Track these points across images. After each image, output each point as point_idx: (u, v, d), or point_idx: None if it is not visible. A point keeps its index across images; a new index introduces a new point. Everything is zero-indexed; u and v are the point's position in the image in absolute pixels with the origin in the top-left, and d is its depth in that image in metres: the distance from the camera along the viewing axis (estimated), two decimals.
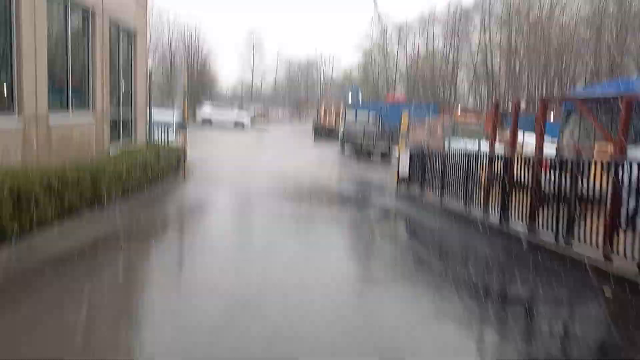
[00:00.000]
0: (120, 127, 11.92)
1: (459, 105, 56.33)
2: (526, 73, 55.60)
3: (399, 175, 14.63)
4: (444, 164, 10.88)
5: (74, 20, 9.45)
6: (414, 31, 70.68)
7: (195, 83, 53.89)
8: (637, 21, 41.32)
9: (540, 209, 7.19)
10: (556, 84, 51.48)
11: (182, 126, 17.24)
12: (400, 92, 68.06)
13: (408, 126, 14.95)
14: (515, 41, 55.58)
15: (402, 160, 14.25)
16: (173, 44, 51.66)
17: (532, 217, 7.33)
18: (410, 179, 13.57)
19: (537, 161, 7.33)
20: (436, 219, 10.35)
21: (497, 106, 8.81)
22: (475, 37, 63.34)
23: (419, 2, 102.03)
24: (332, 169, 21.47)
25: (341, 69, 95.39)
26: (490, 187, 8.60)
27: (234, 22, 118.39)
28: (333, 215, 11.01)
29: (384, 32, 73.21)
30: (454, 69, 65.36)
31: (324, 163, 23.98)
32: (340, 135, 32.22)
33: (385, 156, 26.97)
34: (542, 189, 7.16)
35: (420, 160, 12.33)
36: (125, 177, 9.01)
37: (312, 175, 18.67)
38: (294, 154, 27.71)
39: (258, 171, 18.05)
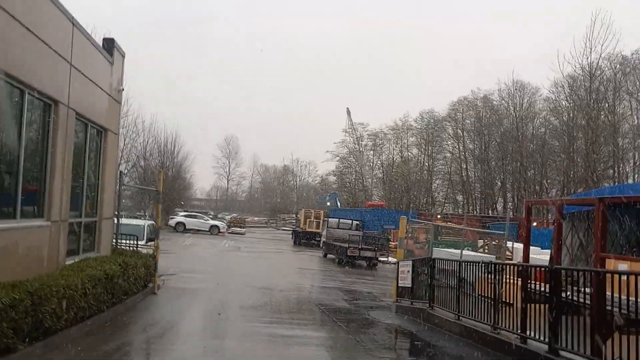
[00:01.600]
0: (81, 235, 10.26)
1: (440, 212, 56.13)
2: (499, 180, 56.18)
3: (399, 286, 13.03)
4: (458, 274, 9.40)
5: (33, 111, 8.15)
6: (389, 139, 72.13)
7: (169, 189, 52.63)
8: (606, 132, 42.62)
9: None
10: (532, 190, 51.87)
11: (154, 233, 15.63)
12: (376, 199, 67.91)
13: (406, 232, 13.60)
14: (485, 150, 56.73)
15: (403, 269, 12.72)
16: (148, 149, 50.86)
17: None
18: (413, 291, 11.96)
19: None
20: (458, 344, 8.64)
21: (529, 209, 7.54)
22: (448, 146, 64.73)
23: (393, 111, 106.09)
24: (317, 279, 19.74)
25: (317, 174, 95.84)
26: (527, 304, 7.09)
27: (210, 128, 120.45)
28: (326, 341, 9.24)
29: (358, 140, 74.59)
30: (429, 176, 65.96)
31: (307, 271, 22.25)
32: (322, 241, 30.78)
33: (372, 264, 25.43)
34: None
35: (427, 270, 10.82)
36: (80, 295, 7.26)
37: (297, 287, 16.91)
38: (274, 261, 25.95)
39: (238, 282, 16.23)
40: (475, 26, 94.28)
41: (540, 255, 19.78)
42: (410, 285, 12.09)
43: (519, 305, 7.25)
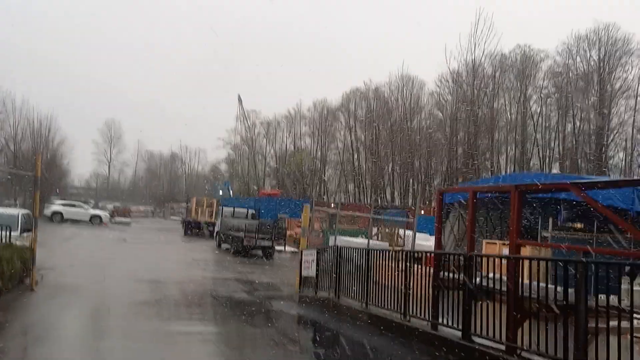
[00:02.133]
0: None
1: (333, 201, 57.01)
2: (389, 170, 58.37)
3: (302, 276, 12.78)
4: (367, 262, 9.30)
5: None
6: (282, 127, 72.00)
7: (44, 176, 48.35)
8: (485, 126, 45.80)
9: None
10: (417, 179, 54.54)
11: (30, 223, 14.02)
12: (269, 188, 67.66)
13: (310, 220, 13.38)
14: (376, 141, 58.62)
15: (306, 258, 12.47)
16: (19, 132, 46.32)
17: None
18: (317, 281, 11.76)
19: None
20: (367, 332, 8.53)
21: (441, 196, 7.57)
22: (341, 136, 66.02)
23: (287, 100, 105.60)
24: (213, 270, 18.99)
25: (207, 162, 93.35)
26: (438, 291, 7.11)
27: (90, 111, 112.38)
28: (230, 336, 8.72)
29: (250, 128, 73.66)
30: (322, 166, 66.88)
31: (201, 262, 21.37)
32: (216, 230, 29.84)
33: (268, 253, 25.05)
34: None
35: (332, 259, 10.65)
36: None
37: (192, 279, 16.07)
38: (165, 252, 24.65)
39: (126, 276, 15.06)
40: (370, 21, 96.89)
41: (429, 242, 20.67)
42: (314, 275, 11.88)
43: (431, 292, 7.26)
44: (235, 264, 21.41)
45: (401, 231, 27.76)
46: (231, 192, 63.43)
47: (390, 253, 8.83)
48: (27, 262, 10.47)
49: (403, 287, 7.78)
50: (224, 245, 27.72)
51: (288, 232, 32.06)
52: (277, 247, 27.27)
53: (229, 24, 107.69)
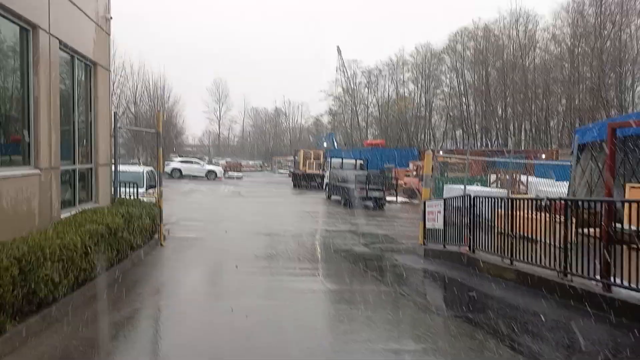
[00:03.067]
0: (76, 184, 9.00)
1: (440, 148, 54.96)
2: (500, 112, 54.81)
3: (426, 228, 11.99)
4: (511, 213, 8.27)
5: (6, 39, 6.69)
6: (384, 75, 69.94)
7: (162, 135, 50.95)
8: (612, 57, 41.03)
9: None
10: (532, 122, 50.71)
11: (155, 180, 14.41)
12: (371, 138, 66.60)
13: (432, 167, 12.44)
14: (486, 82, 54.94)
15: (431, 209, 11.63)
16: (138, 94, 48.82)
17: None
18: (445, 233, 10.91)
19: None
20: (517, 292, 7.60)
21: (613, 131, 6.32)
22: (447, 79, 62.87)
23: (389, 47, 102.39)
24: (327, 222, 18.71)
25: (310, 115, 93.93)
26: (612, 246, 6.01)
27: (198, 71, 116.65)
28: (367, 295, 8.18)
29: (350, 78, 72.40)
30: (427, 113, 64.39)
31: (315, 214, 21.25)
32: (325, 182, 29.73)
33: (380, 204, 24.47)
34: None
35: (466, 210, 9.70)
36: (81, 255, 6.09)
37: (309, 232, 15.90)
38: (278, 205, 24.91)
39: (245, 229, 15.21)
40: None
41: (555, 188, 18.82)
42: (442, 227, 11.03)
43: (600, 246, 6.16)
44: (347, 215, 21.08)
45: (522, 177, 25.87)
46: (336, 143, 63.30)
47: (540, 202, 7.72)
48: (155, 218, 10.64)
49: (562, 241, 6.73)
50: (334, 197, 27.57)
51: (401, 181, 31.07)
52: (389, 198, 26.60)
53: None
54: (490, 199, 9.42)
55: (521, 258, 7.88)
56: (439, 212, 11.24)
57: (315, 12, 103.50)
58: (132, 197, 11.59)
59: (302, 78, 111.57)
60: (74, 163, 8.96)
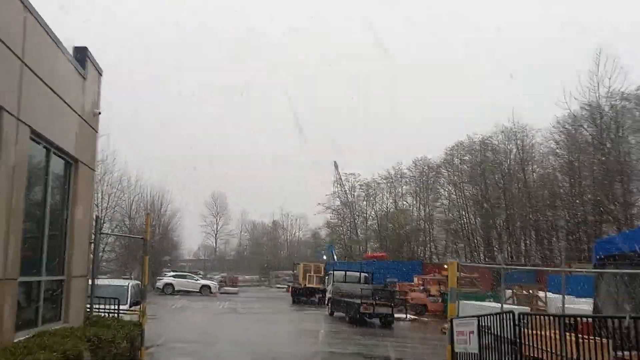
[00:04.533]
0: (40, 298, 7.43)
1: (455, 262, 53.07)
2: (501, 225, 53.81)
3: (454, 352, 10.17)
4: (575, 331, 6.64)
5: None
6: (382, 188, 69.86)
7: (156, 250, 49.42)
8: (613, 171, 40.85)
9: None
10: (538, 235, 49.59)
11: (139, 295, 12.76)
12: (370, 251, 64.97)
13: (457, 280, 10.88)
14: (485, 195, 54.60)
15: (461, 329, 9.91)
16: (133, 207, 47.89)
17: None
18: (482, 358, 9.12)
19: None
20: None
21: None
22: (445, 192, 62.59)
23: (386, 160, 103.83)
24: (334, 343, 16.68)
25: (308, 229, 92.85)
26: None
27: (196, 185, 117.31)
28: None
29: (348, 191, 72.40)
30: (427, 225, 63.37)
31: (318, 334, 19.16)
32: (327, 296, 27.72)
33: (388, 321, 22.39)
34: None
35: (509, 330, 8.04)
36: None
37: (315, 355, 13.92)
38: (278, 323, 22.77)
39: (243, 354, 13.25)
40: (465, 73, 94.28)
41: (577, 305, 17.10)
42: (476, 351, 9.27)
43: None
44: (353, 334, 19.03)
45: (541, 293, 24.10)
46: (335, 256, 61.53)
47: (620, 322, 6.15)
48: (135, 341, 8.91)
49: None
50: (337, 313, 25.47)
51: (408, 297, 29.09)
52: (398, 315, 24.54)
53: (321, 91, 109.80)
54: (542, 318, 7.79)
55: None
56: (472, 332, 9.54)
57: (311, 127, 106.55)
58: (111, 315, 9.91)
59: (300, 192, 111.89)
60: (39, 274, 7.46)
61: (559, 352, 6.69)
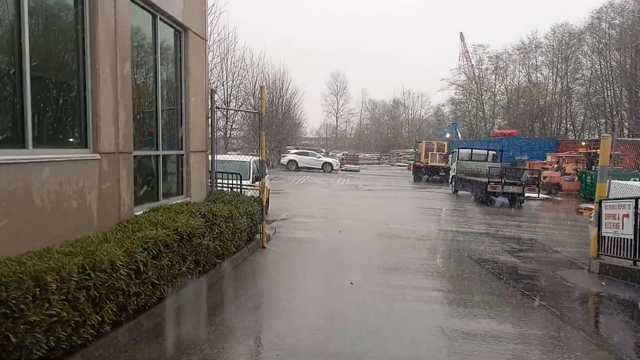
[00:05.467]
0: (159, 173, 7.38)
1: (584, 140, 48.67)
2: None
3: (602, 236, 8.96)
4: None
5: None
6: (514, 60, 64.05)
7: (279, 127, 50.68)
8: None
9: None
10: None
11: (260, 171, 12.77)
12: (499, 128, 61.31)
13: (610, 157, 9.32)
14: (636, 64, 47.64)
15: (611, 212, 8.60)
16: (257, 86, 48.68)
17: None
18: (636, 247, 7.88)
19: None
20: None
21: None
22: (588, 63, 55.82)
23: (518, 29, 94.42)
24: (459, 222, 15.97)
25: (430, 106, 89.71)
26: None
27: (316, 66, 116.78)
28: (547, 344, 5.59)
29: (475, 65, 67.42)
30: (564, 100, 57.78)
31: (442, 212, 18.55)
32: (451, 175, 26.71)
33: (518, 201, 21.07)
34: None
35: None
36: (126, 277, 4.26)
37: (439, 234, 13.33)
38: (399, 200, 22.46)
39: (364, 230, 13.01)
40: None
41: None
42: (631, 236, 8.01)
43: None
44: (480, 214, 18.14)
45: None
46: (459, 134, 59.16)
47: None
48: (254, 216, 8.81)
49: None
50: (462, 192, 24.56)
51: (541, 175, 27.12)
52: (529, 194, 23.05)
53: None
54: None
55: None
56: (626, 215, 8.20)
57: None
58: (233, 190, 9.90)
59: (422, 68, 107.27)
60: (157, 148, 7.32)
61: None
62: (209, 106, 9.17)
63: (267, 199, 14.06)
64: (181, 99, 8.18)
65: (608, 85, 52.96)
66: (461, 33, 69.10)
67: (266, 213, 14.19)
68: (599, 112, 54.57)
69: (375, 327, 5.56)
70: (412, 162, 42.59)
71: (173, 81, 8.08)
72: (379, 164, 65.41)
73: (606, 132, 54.02)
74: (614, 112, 52.31)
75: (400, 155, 67.44)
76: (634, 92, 48.54)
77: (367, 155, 70.68)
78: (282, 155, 41.70)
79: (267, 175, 15.37)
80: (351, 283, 7.34)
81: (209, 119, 9.19)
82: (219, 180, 10.16)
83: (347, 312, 6.13)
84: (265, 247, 9.48)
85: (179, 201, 7.52)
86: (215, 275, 6.63)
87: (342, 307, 6.32)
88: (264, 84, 51.62)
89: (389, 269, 8.62)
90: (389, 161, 67.76)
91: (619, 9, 49.88)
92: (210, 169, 9.43)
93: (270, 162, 45.07)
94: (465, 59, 69.20)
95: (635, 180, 19.98)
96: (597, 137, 51.75)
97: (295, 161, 39.09)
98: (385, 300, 6.70)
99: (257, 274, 7.82)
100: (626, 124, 51.06)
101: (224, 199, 8.11)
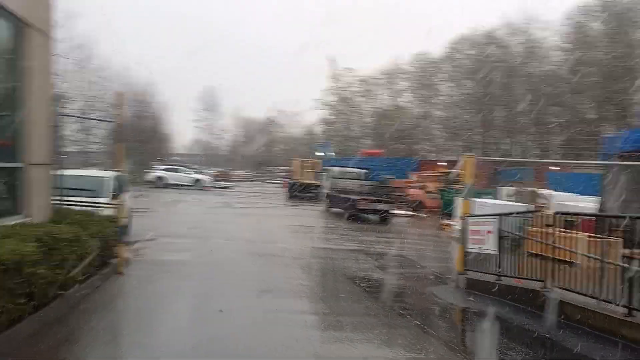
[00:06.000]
0: None
1: (472, 156, 52.12)
2: (505, 125, 52.46)
3: (467, 252, 9.24)
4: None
5: None
6: (380, 84, 67.48)
7: (147, 141, 48.12)
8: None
9: None
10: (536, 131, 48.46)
11: (123, 188, 11.65)
12: (367, 148, 64.06)
13: (473, 176, 9.71)
14: (487, 91, 52.63)
15: (477, 228, 8.90)
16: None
17: None
18: (500, 261, 8.19)
19: None
20: None
21: None
22: (446, 88, 60.49)
23: (385, 55, 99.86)
24: (332, 239, 15.96)
25: (302, 125, 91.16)
26: None
27: (187, 79, 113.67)
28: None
29: (344, 87, 70.05)
30: (425, 122, 61.95)
31: (315, 229, 18.49)
32: (325, 192, 26.94)
33: (386, 218, 21.72)
34: None
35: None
36: None
37: (313, 252, 13.11)
38: (273, 218, 22.07)
39: (236, 249, 12.36)
40: None
41: (580, 203, 16.30)
42: (495, 252, 8.31)
43: None
44: (352, 230, 18.34)
45: (543, 191, 23.36)
46: (331, 152, 60.68)
47: None
48: (109, 237, 7.80)
49: None
50: (334, 209, 24.83)
51: (406, 193, 28.36)
52: (396, 211, 23.90)
53: None
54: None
55: None
56: (490, 231, 8.53)
57: (306, 22, 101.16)
58: (87, 210, 8.74)
59: (295, 88, 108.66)
60: None
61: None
62: (56, 114, 8.01)
63: (129, 218, 12.86)
64: (20, 105, 7.01)
65: (463, 110, 57.70)
66: (331, 57, 71.49)
67: (127, 234, 13.01)
68: (455, 134, 59.16)
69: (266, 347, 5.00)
70: (286, 179, 42.62)
71: (10, 84, 6.91)
72: (252, 181, 64.76)
73: (462, 153, 58.83)
74: (469, 135, 57.11)
75: (275, 173, 67.48)
76: (483, 116, 53.37)
77: (241, 172, 69.71)
78: (150, 171, 39.42)
79: (130, 193, 14.10)
80: (220, 310, 6.68)
81: (56, 128, 8.04)
82: (72, 198, 8.96)
83: (215, 344, 5.48)
84: (122, 273, 8.46)
85: (13, 222, 6.35)
86: (57, 310, 5.60)
87: (210, 337, 5.65)
88: (131, 96, 48.86)
89: (262, 292, 8.09)
90: (263, 178, 67.44)
91: (472, 42, 54.82)
92: (57, 185, 8.23)
93: (136, 179, 42.50)
94: (335, 80, 71.47)
95: (490, 197, 21.62)
96: (454, 157, 56.04)
97: (163, 177, 37.07)
98: (258, 328, 6.16)
99: (111, 305, 6.85)
100: (479, 145, 55.92)
101: (72, 219, 7.03)
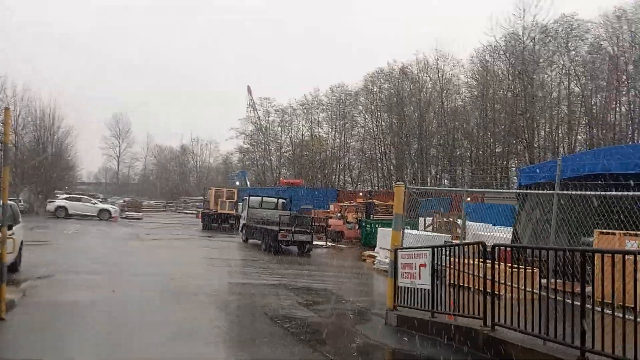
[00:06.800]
0: None
1: (361, 190, 52.65)
2: (415, 155, 54.05)
3: (398, 287, 8.71)
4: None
5: None
6: (298, 114, 67.66)
7: (48, 169, 44.63)
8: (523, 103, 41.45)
9: None
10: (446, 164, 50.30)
11: (18, 217, 10.20)
12: (285, 177, 63.64)
13: (404, 206, 9.27)
14: (402, 124, 54.26)
15: (409, 261, 8.41)
16: (20, 122, 42.45)
17: None
18: (434, 296, 7.71)
19: None
20: None
21: None
22: (362, 120, 61.64)
23: (304, 86, 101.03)
24: (250, 273, 15.01)
25: (219, 154, 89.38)
26: None
27: (97, 104, 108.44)
28: None
29: (262, 117, 69.72)
30: (342, 154, 62.61)
31: (233, 263, 17.42)
32: (242, 222, 25.87)
33: (307, 249, 21.08)
34: None
35: (478, 263, 6.58)
36: None
37: (230, 288, 12.18)
38: (187, 251, 20.71)
39: (144, 287, 11.12)
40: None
41: (494, 233, 16.63)
42: (428, 287, 7.83)
43: None
44: (271, 263, 17.48)
45: (459, 221, 23.77)
46: (248, 182, 59.60)
47: None
48: None
49: None
50: (252, 240, 23.83)
51: (327, 224, 27.95)
52: (317, 242, 23.32)
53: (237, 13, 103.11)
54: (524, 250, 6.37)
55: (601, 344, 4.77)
56: (423, 265, 8.06)
57: (223, 50, 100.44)
58: None
59: (211, 116, 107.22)
60: None
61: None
62: None
63: (18, 252, 11.28)
64: None
65: (379, 142, 58.90)
66: (248, 86, 71.20)
67: (16, 271, 11.42)
68: (372, 165, 60.17)
69: None
70: (200, 209, 40.96)
71: None
72: (165, 211, 61.93)
73: (378, 183, 59.82)
74: (384, 166, 58.26)
75: (188, 203, 65.08)
76: (399, 148, 54.70)
77: (152, 202, 66.55)
78: (49, 200, 36.33)
79: (21, 224, 12.47)
80: None
81: None
82: None
83: None
84: (3, 319, 7.11)
85: None
86: None
87: None
88: (30, 120, 45.27)
89: (173, 338, 7.07)
90: (176, 208, 64.77)
91: (388, 76, 56.47)
92: None
93: (35, 209, 39.01)
94: (253, 110, 70.90)
95: (408, 228, 21.61)
96: (370, 188, 56.81)
97: (65, 207, 34.15)
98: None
99: None
100: (393, 177, 57.11)
101: None
